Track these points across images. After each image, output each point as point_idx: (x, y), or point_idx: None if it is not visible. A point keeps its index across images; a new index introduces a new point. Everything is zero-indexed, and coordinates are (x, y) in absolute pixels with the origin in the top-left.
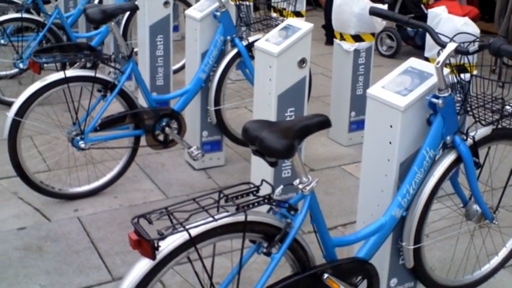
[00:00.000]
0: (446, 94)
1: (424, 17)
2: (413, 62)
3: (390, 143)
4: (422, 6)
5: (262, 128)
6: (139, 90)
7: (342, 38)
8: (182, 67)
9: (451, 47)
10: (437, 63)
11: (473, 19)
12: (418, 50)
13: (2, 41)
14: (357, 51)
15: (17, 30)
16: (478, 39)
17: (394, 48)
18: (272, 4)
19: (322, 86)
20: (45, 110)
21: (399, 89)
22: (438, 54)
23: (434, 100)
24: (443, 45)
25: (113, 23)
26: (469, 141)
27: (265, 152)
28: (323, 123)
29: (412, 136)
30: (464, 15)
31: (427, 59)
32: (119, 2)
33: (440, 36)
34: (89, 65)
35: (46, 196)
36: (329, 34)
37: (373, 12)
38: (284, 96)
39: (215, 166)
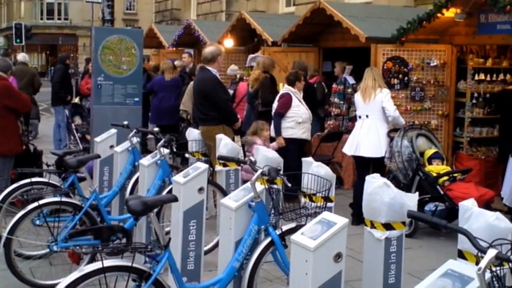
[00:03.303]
0: None
1: (440, 198)
2: (452, 265)
3: None
4: (438, 187)
5: None
6: (169, 274)
7: (373, 226)
8: (212, 248)
9: (491, 253)
10: (479, 269)
11: (490, 201)
12: (435, 230)
13: (38, 222)
14: (388, 240)
15: (53, 211)
16: None
17: (412, 227)
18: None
19: (351, 270)
20: None
21: None
22: (477, 256)
23: None
24: (483, 251)
25: (152, 214)
26: None
27: None
28: None
29: None
30: (479, 197)
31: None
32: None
33: (478, 240)
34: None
35: None
36: (356, 213)
37: (411, 215)
38: None
39: None
